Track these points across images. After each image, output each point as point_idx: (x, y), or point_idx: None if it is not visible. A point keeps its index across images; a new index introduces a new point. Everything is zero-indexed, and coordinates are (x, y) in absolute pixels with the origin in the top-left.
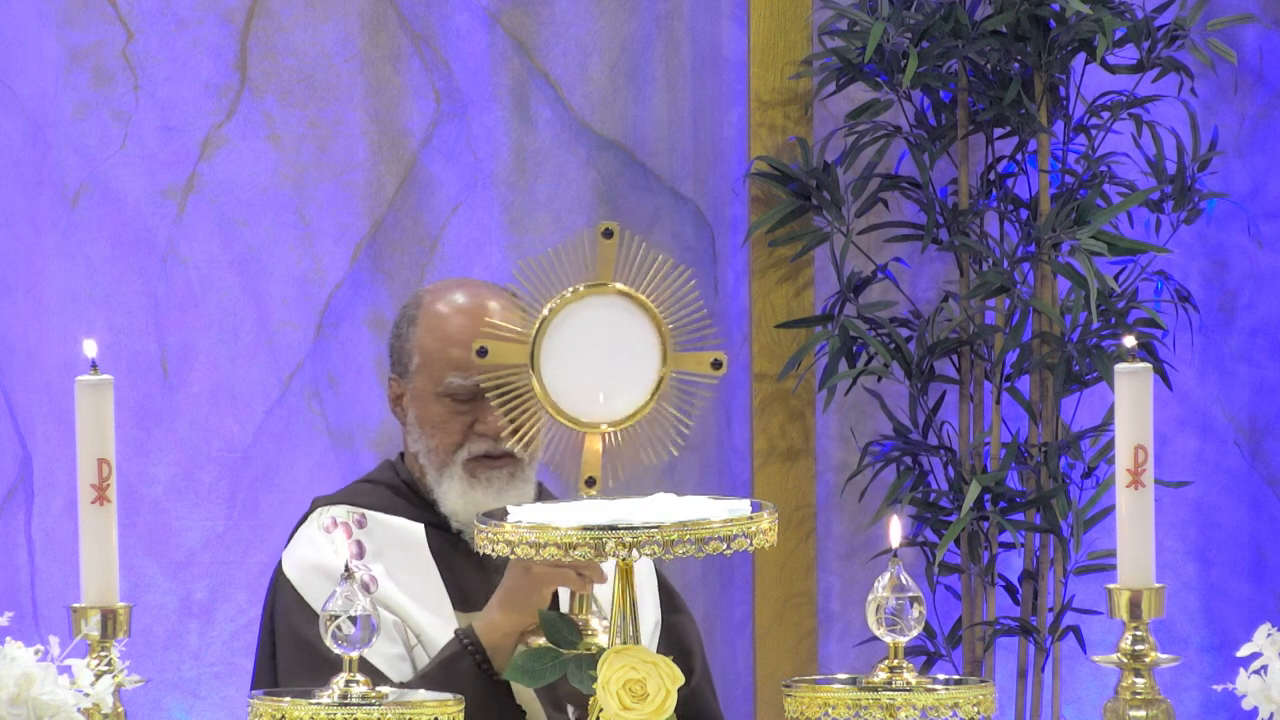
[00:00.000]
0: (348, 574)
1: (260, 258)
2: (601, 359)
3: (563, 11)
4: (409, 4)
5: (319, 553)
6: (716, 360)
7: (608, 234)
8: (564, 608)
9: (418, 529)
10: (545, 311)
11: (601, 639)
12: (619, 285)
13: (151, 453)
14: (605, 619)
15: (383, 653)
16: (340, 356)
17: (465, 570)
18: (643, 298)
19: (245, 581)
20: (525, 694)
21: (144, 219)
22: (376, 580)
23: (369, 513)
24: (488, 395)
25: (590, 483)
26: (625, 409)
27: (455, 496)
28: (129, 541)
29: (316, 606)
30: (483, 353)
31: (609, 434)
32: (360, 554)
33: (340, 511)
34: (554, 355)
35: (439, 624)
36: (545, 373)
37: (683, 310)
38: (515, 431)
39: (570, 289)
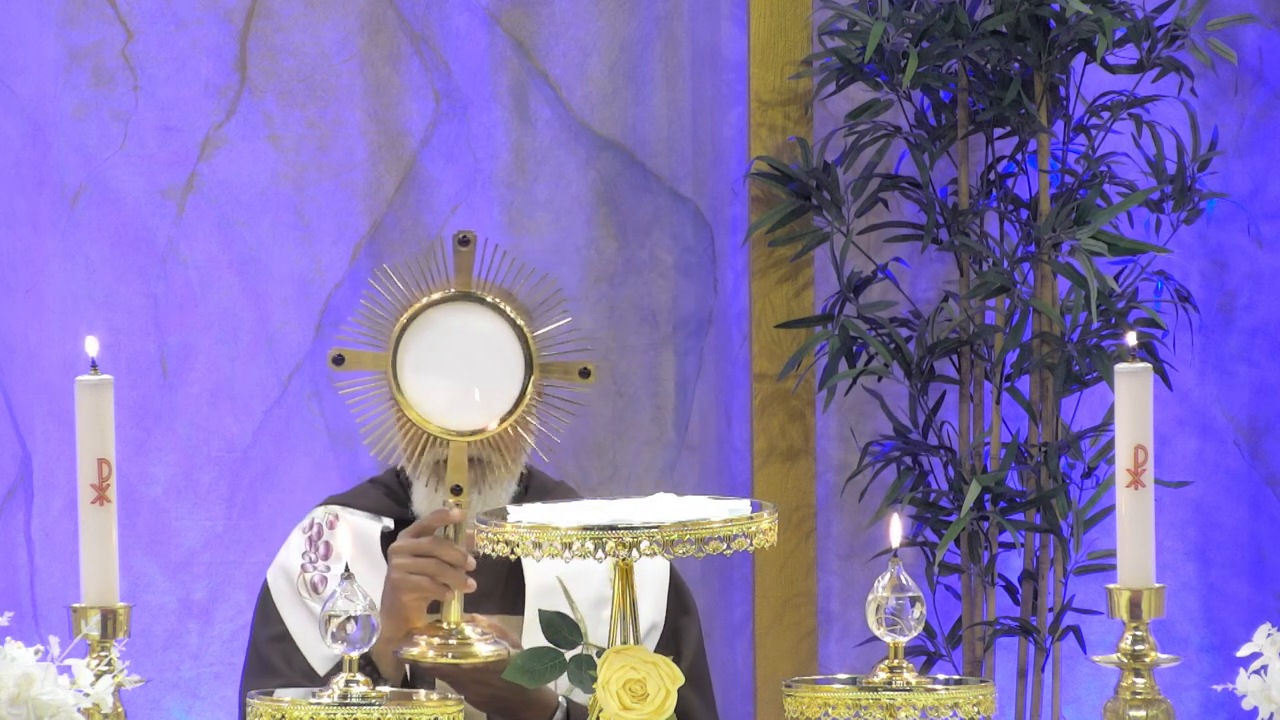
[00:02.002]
0: (347, 574)
1: (260, 258)
2: (464, 368)
3: (562, 12)
4: (409, 4)
5: (289, 553)
6: (584, 369)
7: (464, 242)
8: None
9: (374, 530)
10: (403, 320)
11: (480, 648)
12: (478, 293)
13: (151, 453)
14: (483, 631)
15: (323, 655)
16: None
17: None
18: (503, 307)
19: (245, 581)
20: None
21: (144, 219)
22: (326, 580)
23: (343, 513)
24: (348, 404)
25: (456, 490)
26: (489, 418)
27: (421, 498)
28: (129, 541)
29: (280, 607)
30: (339, 360)
31: (476, 442)
32: (325, 555)
33: (320, 512)
34: (413, 364)
35: None
36: (405, 381)
37: (550, 319)
38: (377, 439)
39: (425, 298)
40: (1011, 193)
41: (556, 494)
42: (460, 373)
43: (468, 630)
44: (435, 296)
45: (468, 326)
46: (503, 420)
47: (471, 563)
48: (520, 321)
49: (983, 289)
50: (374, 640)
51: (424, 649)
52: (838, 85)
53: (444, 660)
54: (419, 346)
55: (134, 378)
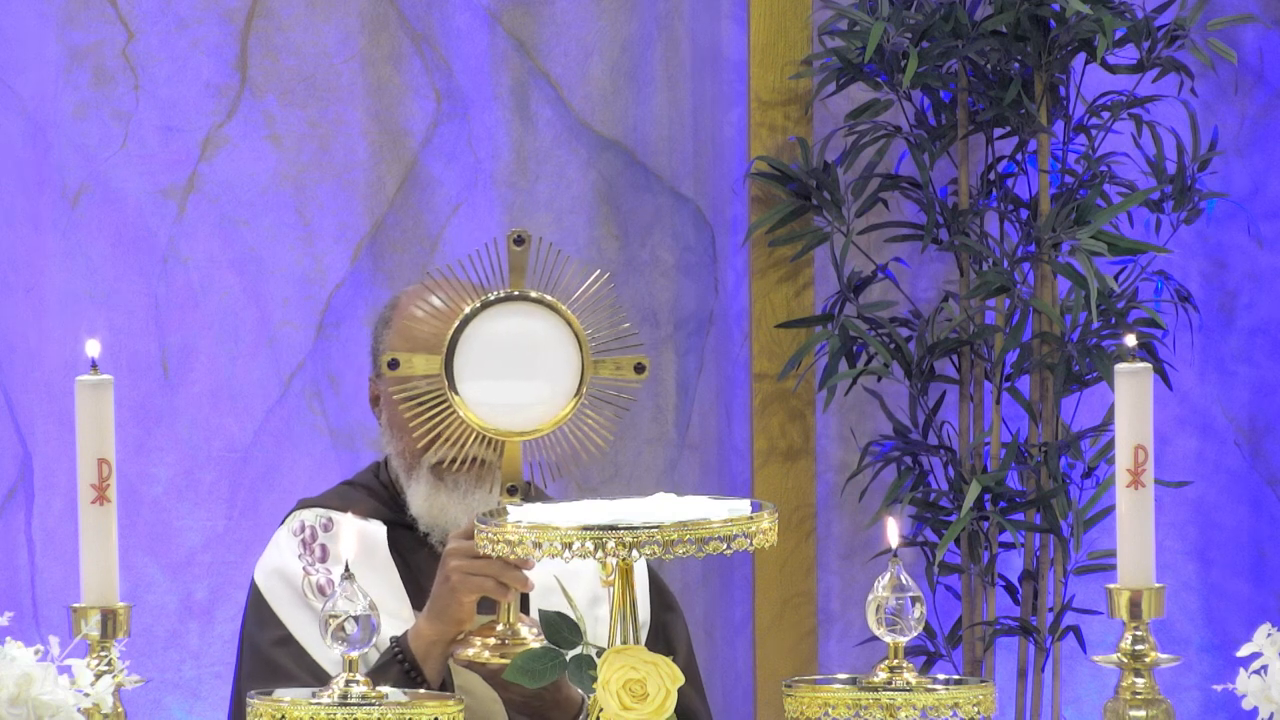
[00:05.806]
0: (348, 574)
1: (260, 258)
2: (519, 367)
3: (563, 11)
4: (409, 4)
5: (281, 556)
6: (639, 364)
7: (519, 241)
8: (550, 611)
9: (379, 531)
10: (457, 322)
11: (534, 646)
12: (533, 293)
13: (151, 453)
14: (538, 630)
15: (332, 657)
16: (341, 357)
17: (430, 573)
18: (558, 304)
19: (245, 581)
20: (487, 704)
21: (144, 219)
22: (333, 584)
23: (335, 515)
24: (402, 407)
25: (512, 490)
26: (545, 416)
27: (421, 499)
28: (129, 541)
29: (277, 610)
30: (393, 365)
31: (531, 441)
32: (324, 558)
33: (309, 515)
34: (469, 365)
35: (396, 626)
36: (461, 383)
37: (602, 315)
38: (434, 441)
39: (481, 299)
40: (1011, 193)
41: (529, 496)
42: (515, 373)
43: (522, 630)
44: (490, 298)
45: (523, 326)
46: (557, 419)
47: (532, 562)
48: (574, 320)
49: (983, 289)
50: (374, 640)
51: (480, 649)
52: (838, 85)
53: (502, 660)
54: (475, 348)
55: (134, 378)
